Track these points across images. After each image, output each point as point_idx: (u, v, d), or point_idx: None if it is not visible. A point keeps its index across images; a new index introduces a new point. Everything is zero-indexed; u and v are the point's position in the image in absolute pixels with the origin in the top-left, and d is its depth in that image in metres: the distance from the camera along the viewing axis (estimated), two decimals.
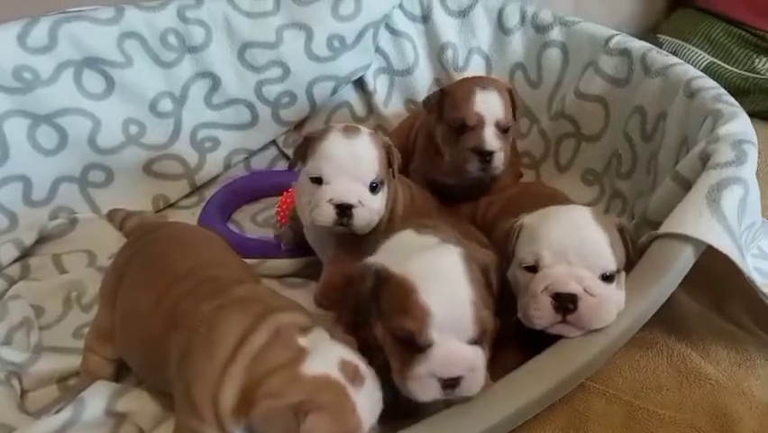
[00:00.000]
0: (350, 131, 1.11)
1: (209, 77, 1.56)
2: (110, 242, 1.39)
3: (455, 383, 0.83)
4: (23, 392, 1.11)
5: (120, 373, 1.09)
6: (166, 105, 1.53)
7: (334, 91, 1.67)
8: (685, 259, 0.95)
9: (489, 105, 1.25)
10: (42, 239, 1.39)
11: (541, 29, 1.54)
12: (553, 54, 1.54)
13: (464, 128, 1.26)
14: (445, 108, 1.30)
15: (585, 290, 0.90)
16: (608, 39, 1.42)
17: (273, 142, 1.70)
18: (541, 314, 0.91)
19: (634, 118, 1.36)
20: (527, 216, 1.00)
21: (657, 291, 0.96)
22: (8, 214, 1.41)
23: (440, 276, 0.86)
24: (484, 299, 0.86)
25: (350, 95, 1.75)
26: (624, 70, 1.39)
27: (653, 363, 1.14)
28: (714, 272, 1.07)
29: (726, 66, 1.91)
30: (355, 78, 1.68)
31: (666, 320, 1.17)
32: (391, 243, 1.01)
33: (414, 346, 0.84)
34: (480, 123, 1.25)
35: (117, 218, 1.37)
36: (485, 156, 1.25)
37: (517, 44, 1.60)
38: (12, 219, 1.41)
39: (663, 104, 1.29)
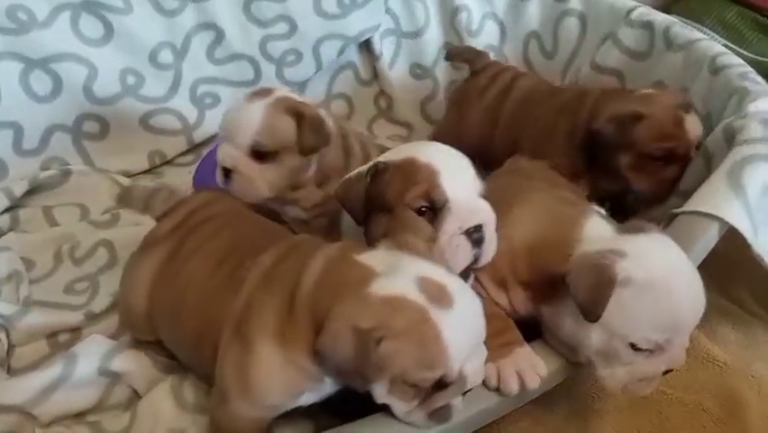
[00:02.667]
0: (253, 95, 1.05)
1: (212, 28, 1.49)
2: (104, 196, 1.35)
3: (480, 238, 0.84)
4: (11, 347, 1.07)
5: None
6: (166, 56, 1.46)
7: (341, 51, 1.62)
8: (710, 237, 0.92)
9: (697, 130, 1.11)
10: (33, 190, 1.34)
11: None
12: (571, 24, 1.49)
13: (672, 158, 1.11)
14: (641, 138, 1.10)
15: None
16: (630, 10, 1.37)
17: None
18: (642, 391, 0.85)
19: None
20: (627, 263, 0.79)
21: None
22: None
23: (434, 146, 0.91)
24: None
25: (355, 56, 1.71)
26: (644, 43, 1.34)
27: None
28: (722, 253, 1.04)
29: (739, 49, 1.87)
30: (364, 38, 1.63)
31: None
32: None
33: (433, 210, 0.84)
34: (690, 149, 1.10)
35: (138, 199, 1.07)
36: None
37: (534, 11, 1.55)
38: (1, 168, 1.35)
39: (686, 79, 1.25)
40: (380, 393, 0.73)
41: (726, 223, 0.90)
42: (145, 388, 0.97)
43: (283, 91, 1.08)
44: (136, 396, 0.98)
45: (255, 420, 0.81)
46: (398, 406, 0.74)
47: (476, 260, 0.85)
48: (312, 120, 1.04)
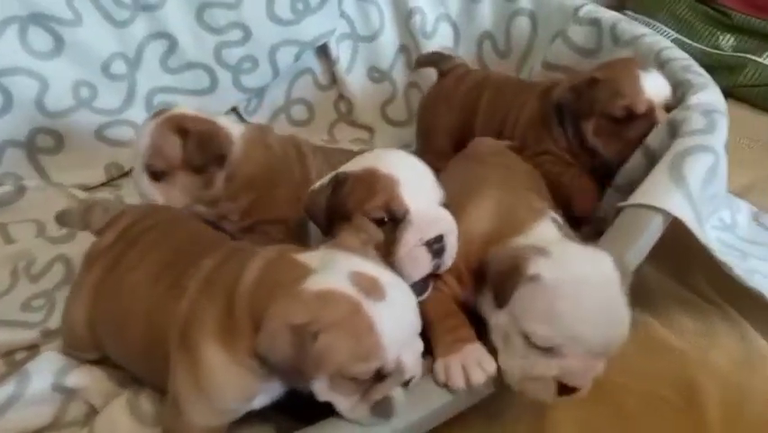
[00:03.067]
0: (151, 117, 1.08)
1: (165, 37, 1.49)
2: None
3: (440, 249, 0.85)
4: None
5: None
6: (119, 66, 1.45)
7: (298, 57, 1.62)
8: (653, 229, 0.94)
9: (658, 88, 1.12)
10: None
11: None
12: (522, 23, 1.52)
13: (630, 117, 1.12)
14: (600, 100, 1.13)
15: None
16: (578, 8, 1.40)
17: (234, 109, 1.64)
18: (539, 394, 0.85)
19: None
20: (544, 263, 0.83)
21: (626, 258, 0.96)
22: None
23: (395, 155, 0.92)
24: None
25: (312, 62, 1.71)
26: (593, 40, 1.37)
27: None
28: (677, 242, 1.07)
29: (691, 42, 1.91)
30: (320, 43, 1.64)
31: (630, 291, 1.18)
32: None
33: (393, 221, 0.85)
34: (651, 109, 1.11)
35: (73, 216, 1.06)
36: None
37: (486, 12, 1.57)
38: None
39: None
40: (322, 390, 0.74)
41: (669, 214, 0.92)
42: (102, 402, 0.96)
43: (181, 109, 1.09)
44: (93, 412, 0.96)
45: (210, 429, 0.81)
46: (341, 402, 0.75)
47: (436, 268, 0.87)
48: (198, 137, 1.04)
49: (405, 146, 1.64)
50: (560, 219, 0.94)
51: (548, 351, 0.80)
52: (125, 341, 0.88)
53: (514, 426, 0.99)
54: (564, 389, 0.82)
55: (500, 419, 1.00)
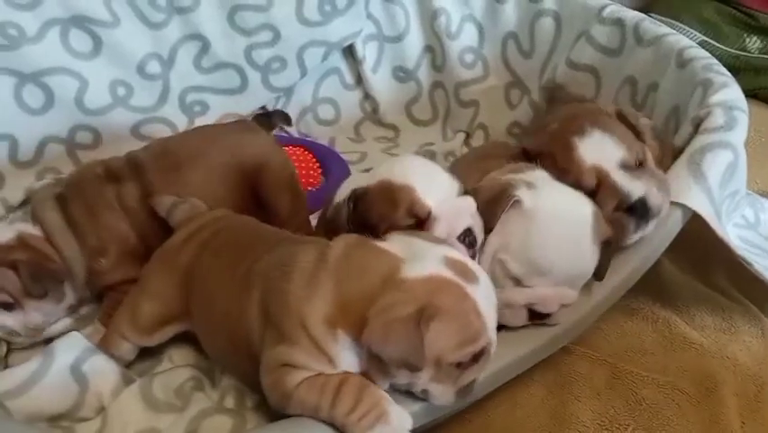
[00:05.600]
0: None
1: (198, 39, 1.53)
2: None
3: (472, 240, 0.88)
4: (10, 351, 1.11)
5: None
6: (154, 67, 1.50)
7: (325, 57, 1.65)
8: (673, 224, 0.96)
9: (603, 150, 0.97)
10: (29, 200, 1.36)
11: None
12: (546, 23, 1.53)
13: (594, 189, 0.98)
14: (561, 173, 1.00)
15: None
16: (602, 8, 1.41)
17: (263, 107, 1.68)
18: (514, 321, 0.92)
19: (624, 89, 1.36)
20: (526, 193, 0.91)
21: (643, 255, 0.98)
22: None
23: (403, 161, 0.98)
24: None
25: (339, 62, 1.75)
26: (616, 40, 1.38)
27: (637, 328, 1.17)
28: (698, 240, 1.08)
29: (717, 44, 1.92)
30: (346, 44, 1.67)
31: (651, 288, 1.20)
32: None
33: (419, 225, 0.89)
34: (602, 176, 0.96)
35: (164, 206, 1.12)
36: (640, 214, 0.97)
37: (510, 13, 1.59)
38: None
39: (655, 74, 1.29)
40: (423, 380, 0.75)
41: (689, 209, 0.94)
42: (109, 393, 0.98)
43: (17, 231, 1.10)
44: (103, 408, 0.98)
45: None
46: (437, 389, 0.76)
47: (472, 257, 0.89)
48: (29, 268, 1.05)
49: (428, 144, 1.69)
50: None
51: (518, 280, 0.87)
52: (211, 321, 0.92)
53: (534, 415, 1.02)
54: (535, 315, 0.88)
55: (520, 408, 1.03)
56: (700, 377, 1.07)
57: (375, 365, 0.74)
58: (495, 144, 1.24)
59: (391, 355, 0.69)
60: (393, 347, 0.69)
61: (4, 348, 1.10)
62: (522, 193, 0.88)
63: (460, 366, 0.74)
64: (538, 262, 0.85)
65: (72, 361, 0.97)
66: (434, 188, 0.91)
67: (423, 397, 0.78)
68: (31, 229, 1.11)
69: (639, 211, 0.91)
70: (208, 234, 0.99)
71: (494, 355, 0.84)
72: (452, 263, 0.74)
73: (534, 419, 1.01)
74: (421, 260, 0.74)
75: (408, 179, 0.91)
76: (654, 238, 0.96)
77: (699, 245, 1.17)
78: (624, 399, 1.04)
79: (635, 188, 0.92)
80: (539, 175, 0.95)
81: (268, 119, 1.43)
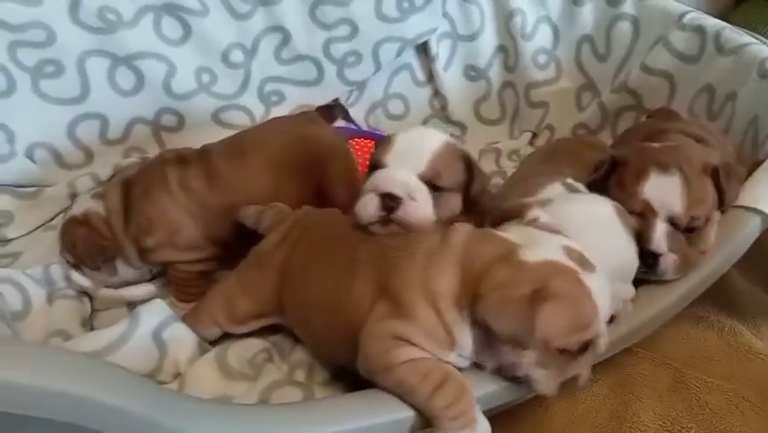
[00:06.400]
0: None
1: (280, 31, 1.59)
2: None
3: (389, 205, 0.92)
4: (94, 311, 1.19)
5: None
6: (237, 56, 1.57)
7: (399, 53, 1.69)
8: (751, 230, 0.96)
9: (662, 194, 0.97)
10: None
11: (613, 2, 1.54)
12: (624, 28, 1.53)
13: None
14: (610, 187, 1.04)
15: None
16: (682, 14, 1.40)
17: (335, 100, 1.73)
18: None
19: (701, 96, 1.36)
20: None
21: (716, 262, 0.98)
22: (85, 149, 1.48)
23: (419, 128, 1.09)
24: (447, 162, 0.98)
25: (412, 58, 1.78)
26: (695, 47, 1.38)
27: (703, 335, 1.17)
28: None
29: None
30: (421, 41, 1.70)
31: (719, 297, 1.20)
32: None
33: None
34: (647, 213, 0.98)
35: (250, 216, 1.14)
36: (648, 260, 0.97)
37: (588, 16, 1.60)
38: (88, 155, 1.48)
39: (734, 84, 1.28)
40: (528, 363, 0.76)
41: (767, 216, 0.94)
42: (186, 361, 1.02)
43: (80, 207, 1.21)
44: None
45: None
46: (540, 375, 0.77)
47: (384, 220, 0.93)
48: (84, 245, 1.16)
49: (494, 142, 1.71)
50: (574, 182, 1.03)
51: None
52: (308, 310, 0.97)
53: (595, 412, 1.04)
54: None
55: (582, 405, 1.05)
56: (765, 387, 1.07)
57: (485, 342, 0.77)
58: (560, 145, 1.26)
59: (503, 329, 0.72)
60: (505, 321, 0.72)
61: (89, 307, 1.18)
62: (537, 211, 0.90)
63: (567, 354, 0.75)
64: None
65: (155, 327, 1.02)
66: (403, 157, 0.96)
67: (525, 382, 0.79)
68: (98, 207, 1.19)
69: (646, 260, 0.94)
70: (297, 234, 1.03)
71: None
72: (569, 251, 0.76)
73: (595, 415, 1.03)
74: (539, 246, 0.77)
75: (396, 138, 1.00)
76: (729, 246, 0.96)
77: (766, 258, 1.16)
78: (686, 403, 1.05)
79: (660, 244, 0.94)
80: (552, 192, 1.00)
81: (330, 111, 1.47)
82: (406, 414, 0.77)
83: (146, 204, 1.17)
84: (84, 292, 1.20)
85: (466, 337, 0.78)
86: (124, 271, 1.21)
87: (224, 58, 1.56)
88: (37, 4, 1.36)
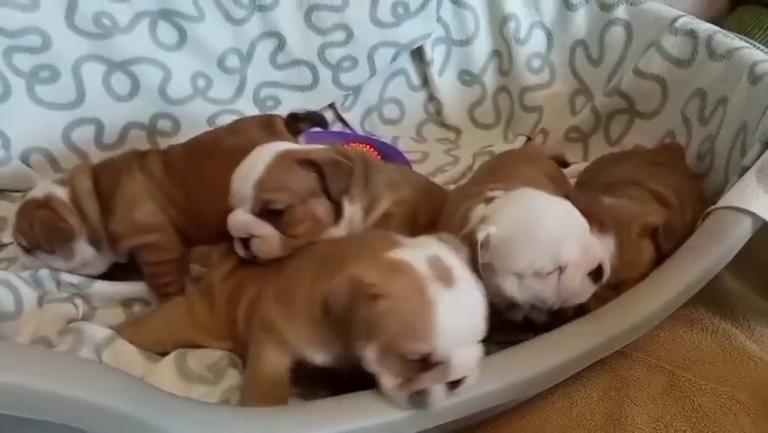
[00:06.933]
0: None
1: (275, 36, 1.60)
2: None
3: (246, 245, 0.99)
4: (92, 309, 1.19)
5: None
6: (233, 61, 1.58)
7: (394, 58, 1.70)
8: (741, 232, 0.96)
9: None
10: None
11: (606, 7, 1.55)
12: (617, 32, 1.54)
13: None
14: None
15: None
16: (675, 19, 1.41)
17: (331, 105, 1.74)
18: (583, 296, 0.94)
19: (694, 101, 1.36)
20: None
21: (708, 263, 0.99)
22: (80, 154, 1.49)
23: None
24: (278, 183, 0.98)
25: (407, 63, 1.79)
26: (687, 51, 1.38)
27: (696, 338, 1.17)
28: (760, 252, 1.08)
29: None
30: (415, 46, 1.71)
31: (711, 299, 1.20)
32: None
33: None
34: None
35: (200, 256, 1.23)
36: None
37: (581, 20, 1.61)
38: (83, 159, 1.49)
39: (725, 89, 1.28)
40: (371, 358, 0.77)
41: (759, 218, 0.94)
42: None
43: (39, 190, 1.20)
44: None
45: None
46: (384, 378, 0.78)
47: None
48: (42, 226, 1.15)
49: (488, 146, 1.72)
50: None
51: (560, 267, 0.91)
52: None
53: (590, 415, 1.04)
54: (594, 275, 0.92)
55: (576, 408, 1.05)
56: (758, 390, 1.07)
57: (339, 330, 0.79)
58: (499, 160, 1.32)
59: (335, 308, 0.75)
60: (338, 302, 0.75)
61: (81, 310, 1.17)
62: (484, 230, 0.90)
63: (408, 363, 0.75)
64: (549, 241, 0.90)
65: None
66: None
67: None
68: (61, 193, 1.19)
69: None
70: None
71: (550, 352, 0.89)
72: (435, 262, 0.76)
73: (589, 419, 1.03)
74: (409, 249, 0.79)
75: None
76: (720, 247, 0.97)
77: (759, 259, 1.16)
78: (680, 405, 1.04)
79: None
80: (480, 211, 0.98)
81: (296, 122, 1.45)
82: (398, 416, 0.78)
83: (112, 188, 1.19)
84: (76, 294, 1.19)
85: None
86: (83, 253, 1.20)
87: (220, 63, 1.57)
88: (33, 10, 1.37)
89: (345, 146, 1.52)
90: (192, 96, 1.54)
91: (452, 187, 1.50)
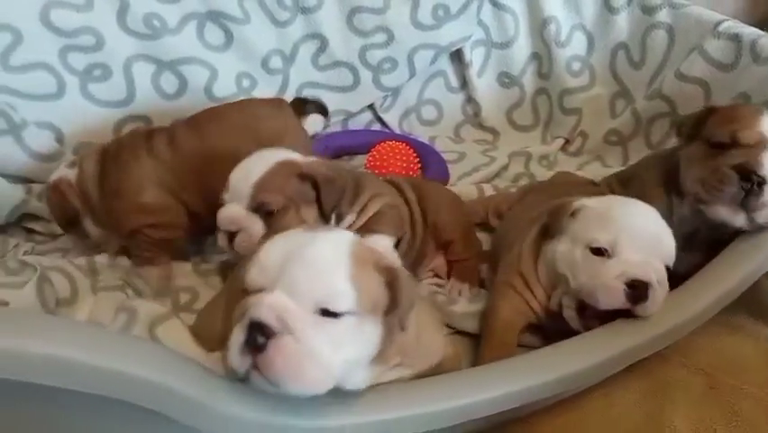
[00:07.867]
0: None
1: (318, 38, 1.63)
2: None
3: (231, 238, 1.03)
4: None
5: None
6: (276, 62, 1.62)
7: (433, 60, 1.72)
8: None
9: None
10: None
11: (648, 10, 1.55)
12: (659, 36, 1.54)
13: (732, 144, 1.04)
14: (709, 125, 1.09)
15: (657, 282, 0.92)
16: (718, 23, 1.41)
17: (370, 106, 1.77)
18: (610, 300, 0.93)
19: None
20: (587, 200, 1.04)
21: (751, 266, 0.99)
22: None
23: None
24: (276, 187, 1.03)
25: (446, 65, 1.81)
26: (730, 55, 1.38)
27: (738, 343, 1.16)
28: None
29: None
30: (455, 48, 1.73)
31: (752, 306, 1.19)
32: None
33: None
34: (761, 144, 1.02)
35: None
36: (751, 181, 0.98)
37: (622, 24, 1.61)
38: None
39: None
40: None
41: None
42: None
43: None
44: None
45: None
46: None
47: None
48: (53, 210, 1.26)
49: (525, 147, 1.73)
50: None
51: (608, 254, 0.94)
52: None
53: (629, 415, 1.04)
54: (633, 296, 0.91)
55: (616, 408, 1.05)
56: None
57: None
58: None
59: None
60: None
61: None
62: (581, 201, 1.01)
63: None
64: (627, 224, 0.95)
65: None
66: None
67: None
68: (70, 175, 1.24)
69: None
70: None
71: (589, 351, 0.91)
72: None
73: (628, 418, 1.03)
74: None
75: None
76: (762, 252, 0.97)
77: None
78: (720, 409, 1.04)
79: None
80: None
81: (302, 104, 1.47)
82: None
83: (116, 168, 1.23)
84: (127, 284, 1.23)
85: None
86: (93, 233, 1.27)
87: (264, 64, 1.61)
88: (87, 10, 1.42)
89: (383, 144, 1.55)
90: (236, 96, 1.57)
91: (485, 185, 1.53)
